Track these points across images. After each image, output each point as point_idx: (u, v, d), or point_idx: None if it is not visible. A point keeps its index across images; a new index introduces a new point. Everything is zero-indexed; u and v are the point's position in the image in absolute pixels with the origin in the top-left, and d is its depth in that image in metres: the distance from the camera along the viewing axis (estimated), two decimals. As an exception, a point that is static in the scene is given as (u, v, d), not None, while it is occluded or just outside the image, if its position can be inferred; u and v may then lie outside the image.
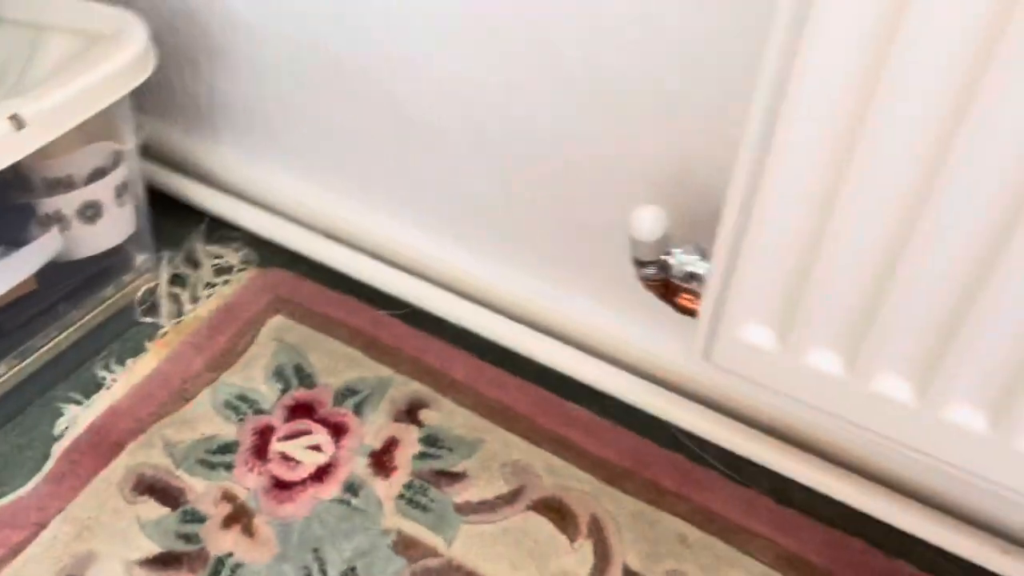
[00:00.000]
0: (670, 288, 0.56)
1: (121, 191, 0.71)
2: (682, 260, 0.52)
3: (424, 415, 0.71)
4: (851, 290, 0.43)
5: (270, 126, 0.79)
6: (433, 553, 0.62)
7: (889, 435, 0.49)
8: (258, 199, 0.83)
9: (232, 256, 0.82)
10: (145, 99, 0.75)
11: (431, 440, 0.69)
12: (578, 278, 0.70)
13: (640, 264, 0.54)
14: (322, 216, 0.80)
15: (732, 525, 0.64)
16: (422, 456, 0.68)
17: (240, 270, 0.81)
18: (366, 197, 0.78)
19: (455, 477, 0.67)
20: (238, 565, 0.61)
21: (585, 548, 0.63)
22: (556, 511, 0.65)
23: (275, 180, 0.82)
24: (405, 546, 0.62)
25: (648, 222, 0.50)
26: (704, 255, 0.53)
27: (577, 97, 0.59)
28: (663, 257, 0.53)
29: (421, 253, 0.77)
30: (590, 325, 0.71)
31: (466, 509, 0.65)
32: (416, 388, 0.72)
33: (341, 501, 0.65)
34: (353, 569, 0.61)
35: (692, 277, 0.53)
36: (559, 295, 0.72)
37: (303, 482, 0.66)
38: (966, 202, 0.38)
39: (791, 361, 0.47)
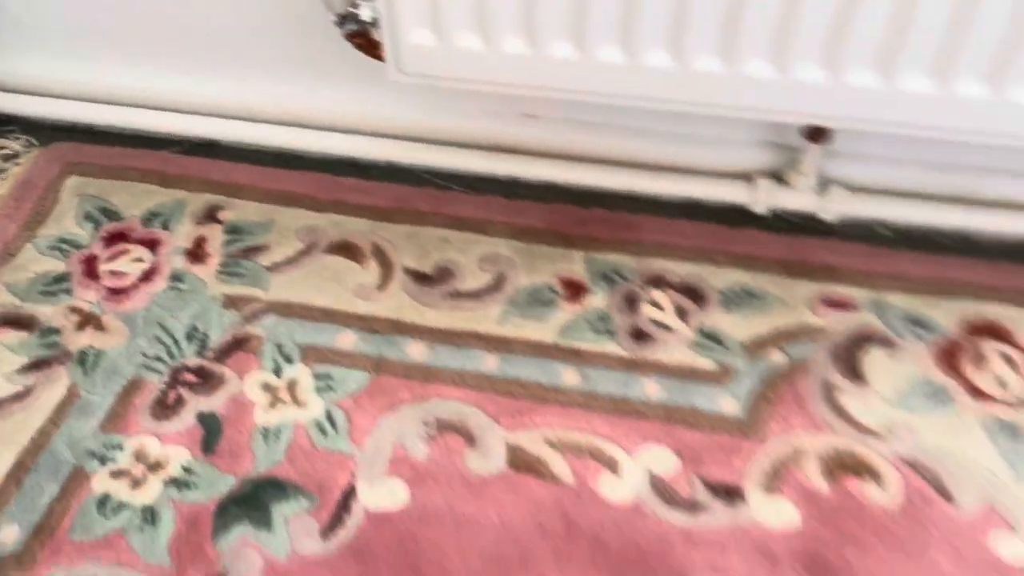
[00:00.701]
0: (371, 42, 0.73)
1: None
2: (365, 9, 0.69)
3: (222, 215, 0.85)
4: None
5: (10, 13, 0.88)
6: (256, 300, 0.78)
7: (565, 86, 0.67)
8: (22, 87, 0.92)
9: (14, 144, 0.92)
10: None
11: (233, 230, 0.84)
12: (311, 72, 0.85)
13: (341, 22, 0.71)
14: (86, 86, 0.91)
15: (477, 221, 0.84)
16: (228, 243, 0.83)
17: (25, 153, 0.91)
18: (123, 57, 0.89)
19: (259, 249, 0.82)
20: (99, 352, 0.75)
21: (372, 265, 0.81)
22: (345, 249, 0.82)
23: (32, 65, 0.91)
24: (232, 303, 0.78)
25: (330, -20, 0.67)
26: None
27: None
28: (352, 10, 0.69)
29: (183, 93, 0.90)
30: (329, 109, 0.87)
31: (274, 268, 0.81)
32: (210, 199, 0.87)
33: (170, 288, 0.80)
34: (195, 328, 0.77)
35: (376, 23, 0.70)
36: (300, 92, 0.87)
37: (135, 285, 0.80)
38: None
39: (454, 49, 0.65)
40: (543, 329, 0.75)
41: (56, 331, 0.77)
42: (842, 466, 0.66)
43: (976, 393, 0.69)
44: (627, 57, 0.64)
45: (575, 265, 0.80)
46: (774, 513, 0.64)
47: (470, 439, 0.69)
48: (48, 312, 0.78)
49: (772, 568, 0.61)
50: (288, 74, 0.85)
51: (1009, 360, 0.71)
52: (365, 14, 0.69)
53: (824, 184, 0.78)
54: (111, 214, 0.86)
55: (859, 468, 0.66)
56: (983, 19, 0.56)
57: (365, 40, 0.72)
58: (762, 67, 0.62)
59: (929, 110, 0.62)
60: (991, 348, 0.72)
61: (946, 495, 0.64)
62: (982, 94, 0.60)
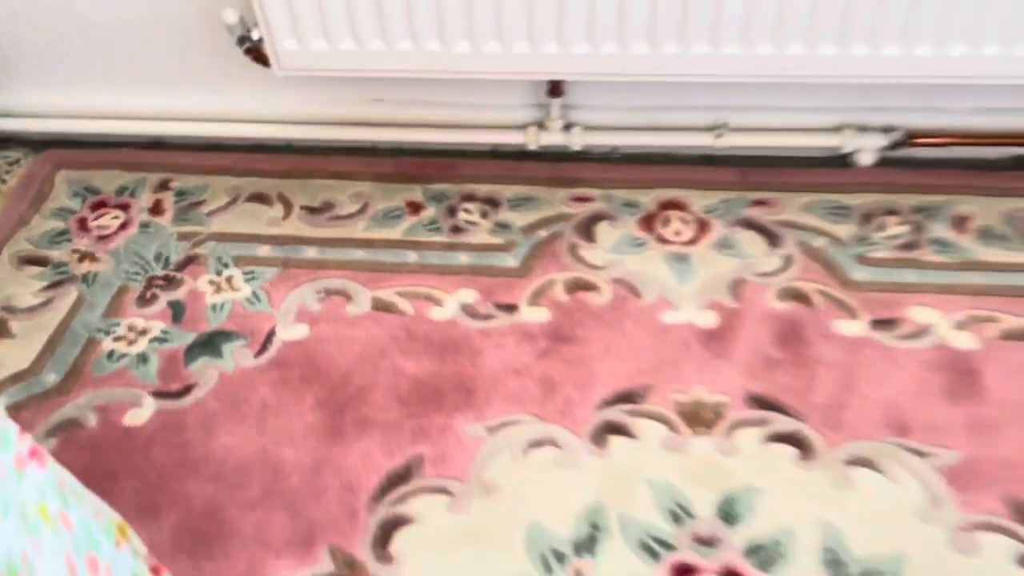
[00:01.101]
0: (261, 54, 1.12)
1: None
2: (254, 32, 1.09)
3: (172, 184, 1.23)
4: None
5: (5, 55, 1.24)
6: (200, 234, 1.16)
7: (383, 67, 1.07)
8: (17, 112, 1.29)
9: (15, 153, 1.29)
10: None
11: (180, 193, 1.22)
12: (224, 81, 1.24)
13: (240, 43, 1.10)
14: (65, 106, 1.28)
15: (349, 173, 1.23)
16: (177, 201, 1.21)
17: (25, 159, 1.28)
18: (90, 83, 1.26)
19: (200, 203, 1.20)
20: (96, 273, 1.12)
21: (277, 206, 1.19)
22: (259, 198, 1.20)
23: (24, 93, 1.28)
24: (184, 236, 1.16)
25: (230, 16, 1.06)
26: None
27: (183, -23, 1.12)
28: (245, 34, 1.09)
29: (136, 106, 1.27)
30: (240, 106, 1.26)
31: (211, 213, 1.19)
32: (162, 176, 1.25)
33: (140, 232, 1.17)
34: (160, 253, 1.14)
35: (262, 40, 1.09)
36: (218, 97, 1.26)
37: (115, 232, 1.17)
38: (335, -47, 0.97)
39: (311, 50, 1.05)
40: (394, 232, 1.15)
41: (64, 264, 1.13)
42: (576, 287, 1.06)
43: (661, 240, 1.11)
44: (442, 45, 1.04)
45: (415, 193, 1.20)
46: (534, 315, 1.04)
47: (348, 297, 1.07)
48: (57, 254, 1.15)
49: (532, 341, 1.01)
50: (209, 84, 1.24)
51: (683, 220, 1.13)
52: (255, 35, 1.09)
53: (568, 125, 1.20)
54: (93, 191, 1.23)
55: (587, 286, 1.06)
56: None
57: (257, 53, 1.11)
58: (521, 44, 1.03)
59: (627, 64, 1.04)
60: (674, 215, 1.14)
61: (637, 294, 1.05)
62: (663, 50, 1.02)
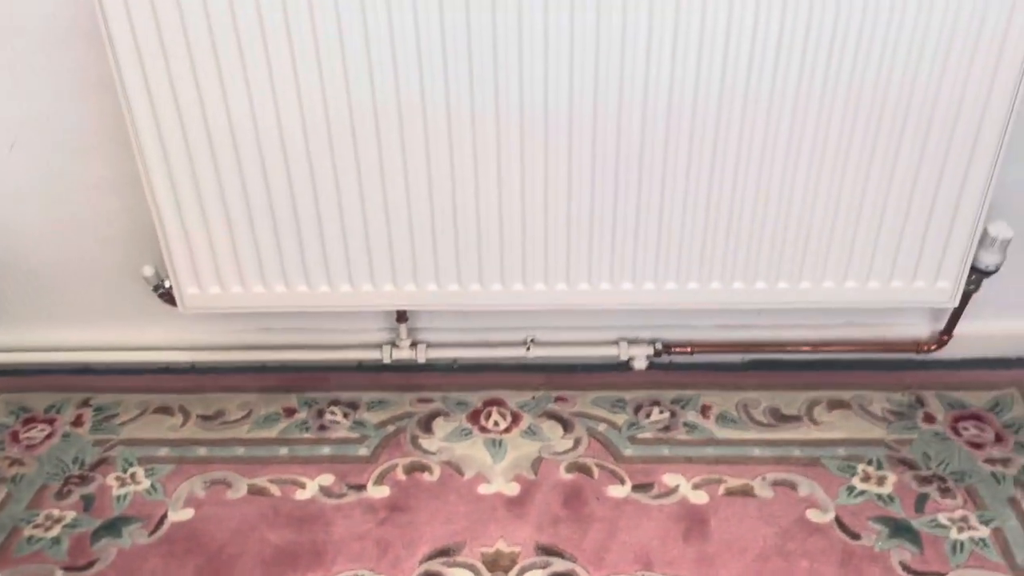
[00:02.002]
0: (171, 297, 1.45)
1: None
2: (166, 281, 1.42)
3: (92, 402, 1.51)
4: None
5: (-36, 308, 1.55)
6: (112, 440, 1.43)
7: (264, 305, 1.41)
8: (-33, 347, 1.57)
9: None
10: None
11: (98, 409, 1.50)
12: (143, 318, 1.56)
13: (155, 289, 1.43)
14: (6, 345, 1.57)
15: (239, 387, 1.53)
16: (95, 415, 1.48)
17: (-32, 384, 1.55)
18: (17, 322, 1.56)
19: (114, 416, 1.48)
20: (22, 475, 1.37)
21: (178, 416, 1.48)
22: (163, 409, 1.49)
23: (-26, 334, 1.57)
24: (98, 443, 1.42)
25: (148, 270, 1.40)
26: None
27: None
28: (159, 283, 1.42)
29: (70, 342, 1.57)
30: (156, 336, 1.57)
31: (122, 424, 1.46)
32: (84, 395, 1.52)
33: (63, 441, 1.43)
34: (76, 457, 1.39)
35: (171, 288, 1.42)
36: (134, 331, 1.57)
37: (41, 442, 1.43)
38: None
39: (209, 295, 1.38)
40: (271, 432, 1.44)
41: (-4, 468, 1.38)
42: (414, 468, 1.35)
43: (483, 429, 1.42)
44: (306, 288, 1.39)
45: (292, 401, 1.50)
46: (378, 492, 1.32)
47: (228, 484, 1.34)
48: (-10, 460, 1.40)
49: (374, 512, 1.28)
50: (127, 320, 1.56)
51: (501, 414, 1.45)
52: (166, 284, 1.42)
53: (415, 343, 1.54)
54: (26, 409, 1.50)
55: (422, 468, 1.36)
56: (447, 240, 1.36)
57: (168, 296, 1.44)
58: (367, 286, 1.38)
59: (458, 298, 1.39)
60: (494, 410, 1.46)
61: (460, 472, 1.34)
62: (490, 288, 1.38)
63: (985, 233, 1.30)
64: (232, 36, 1.13)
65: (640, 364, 1.52)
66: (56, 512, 1.30)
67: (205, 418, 1.47)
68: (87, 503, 1.32)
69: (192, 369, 1.58)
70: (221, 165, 1.24)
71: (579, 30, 1.12)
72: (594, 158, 1.22)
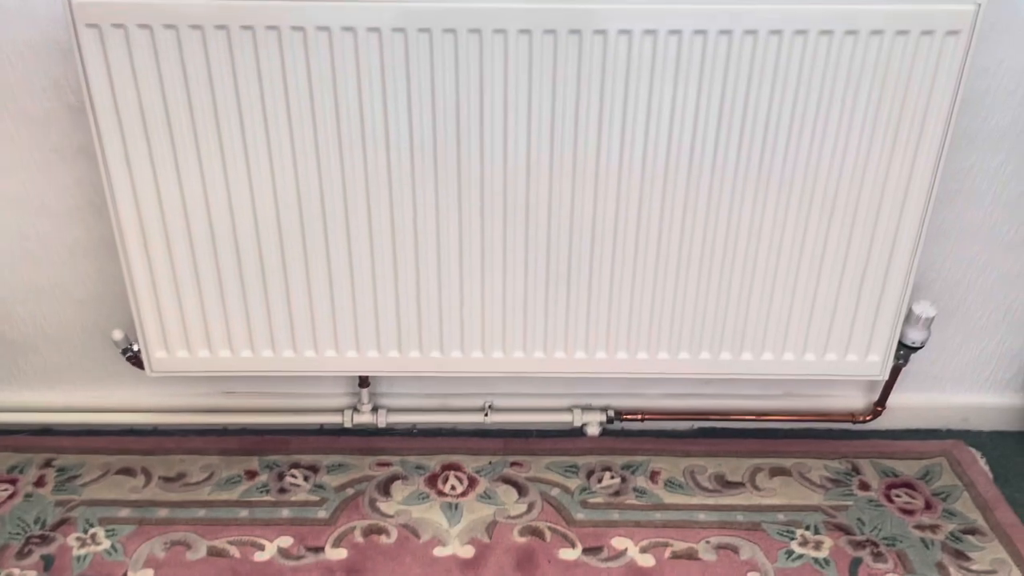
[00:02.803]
0: (139, 361, 1.49)
1: None
2: (134, 345, 1.46)
3: (55, 463, 1.53)
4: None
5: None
6: (74, 500, 1.45)
7: (225, 369, 1.46)
8: (-70, 406, 1.59)
9: (-79, 440, 1.57)
10: None
11: (60, 469, 1.52)
12: (111, 380, 1.59)
13: (123, 353, 1.47)
14: (-30, 403, 1.59)
15: (202, 449, 1.56)
16: (57, 476, 1.50)
17: (-71, 444, 1.56)
18: (-6, 384, 1.59)
19: (76, 476, 1.50)
20: (-19, 534, 1.38)
21: (140, 477, 1.50)
22: (125, 471, 1.51)
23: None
24: (60, 503, 1.44)
25: (118, 334, 1.44)
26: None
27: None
28: (127, 347, 1.47)
29: (35, 403, 1.60)
30: (123, 398, 1.60)
31: (84, 485, 1.48)
32: (48, 456, 1.54)
33: (25, 501, 1.45)
34: (38, 517, 1.41)
35: (139, 351, 1.47)
36: (103, 392, 1.60)
37: (3, 503, 1.44)
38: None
39: (177, 358, 1.43)
40: (232, 494, 1.47)
41: (-45, 528, 1.39)
42: (371, 531, 1.39)
43: (440, 493, 1.47)
44: (271, 353, 1.43)
45: (253, 464, 1.53)
46: (336, 554, 1.35)
47: (188, 546, 1.36)
48: (-51, 520, 1.41)
49: (331, 574, 1.31)
50: (93, 382, 1.59)
51: (458, 478, 1.50)
52: (135, 347, 1.46)
53: (376, 408, 1.59)
54: (-14, 468, 1.52)
55: (380, 530, 1.39)
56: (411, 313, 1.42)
57: (135, 359, 1.48)
58: (331, 351, 1.43)
59: (417, 364, 1.45)
60: (451, 474, 1.51)
61: (417, 535, 1.38)
62: (450, 355, 1.44)
63: (910, 311, 1.40)
64: (211, 115, 1.21)
65: (593, 430, 1.58)
66: (17, 572, 1.32)
67: (167, 480, 1.50)
68: (47, 563, 1.33)
69: (155, 431, 1.61)
70: (195, 233, 1.30)
71: (535, 120, 1.21)
72: (549, 236, 1.30)
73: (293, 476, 1.51)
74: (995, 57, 1.29)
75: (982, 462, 1.54)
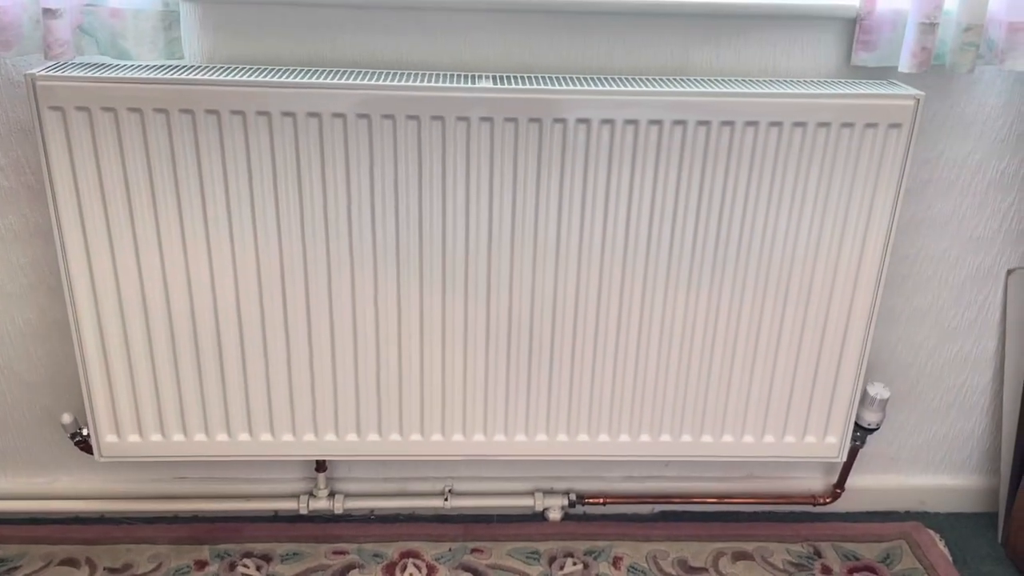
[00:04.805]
0: (88, 445, 1.45)
1: None
2: (84, 429, 1.42)
3: (-8, 554, 1.46)
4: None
5: None
6: (10, 594, 1.38)
7: (175, 453, 1.42)
8: None
9: None
10: None
11: (0, 561, 1.45)
12: (58, 465, 1.53)
13: (72, 438, 1.43)
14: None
15: (151, 538, 1.50)
16: (-5, 568, 1.43)
17: None
18: (-68, 471, 1.52)
19: (18, 568, 1.43)
20: (-91, 632, 1.30)
21: (85, 568, 1.44)
22: (69, 562, 1.45)
23: None
24: (-5, 597, 1.37)
25: (67, 418, 1.40)
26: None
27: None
28: (76, 431, 1.42)
29: (-29, 488, 1.53)
30: (67, 484, 1.54)
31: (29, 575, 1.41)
32: None
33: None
34: (-29, 613, 1.34)
35: (88, 435, 1.43)
36: (46, 479, 1.54)
37: (-67, 596, 1.37)
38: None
39: (127, 443, 1.39)
40: (181, 586, 1.41)
41: None
42: (326, 623, 1.34)
43: (398, 582, 1.43)
44: (226, 436, 1.40)
45: (204, 553, 1.48)
46: (288, 648, 1.30)
47: (133, 642, 1.30)
48: None
49: (283, 671, 1.25)
50: (38, 468, 1.53)
51: (417, 567, 1.46)
52: (84, 432, 1.42)
53: (333, 493, 1.55)
54: (-82, 560, 1.44)
55: (334, 623, 1.34)
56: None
57: (84, 444, 1.44)
58: (287, 435, 1.40)
59: (374, 448, 1.42)
60: (410, 562, 1.47)
61: (373, 627, 1.34)
62: (410, 438, 1.42)
63: (865, 393, 1.42)
64: (172, 197, 1.21)
65: (555, 515, 1.56)
66: (-57, 673, 1.24)
67: (112, 571, 1.44)
68: (-22, 663, 1.26)
69: (102, 519, 1.55)
70: (151, 314, 1.28)
71: (496, 206, 1.24)
72: (510, 319, 1.31)
73: (245, 566, 1.46)
74: (936, 149, 1.35)
75: (941, 544, 1.55)
